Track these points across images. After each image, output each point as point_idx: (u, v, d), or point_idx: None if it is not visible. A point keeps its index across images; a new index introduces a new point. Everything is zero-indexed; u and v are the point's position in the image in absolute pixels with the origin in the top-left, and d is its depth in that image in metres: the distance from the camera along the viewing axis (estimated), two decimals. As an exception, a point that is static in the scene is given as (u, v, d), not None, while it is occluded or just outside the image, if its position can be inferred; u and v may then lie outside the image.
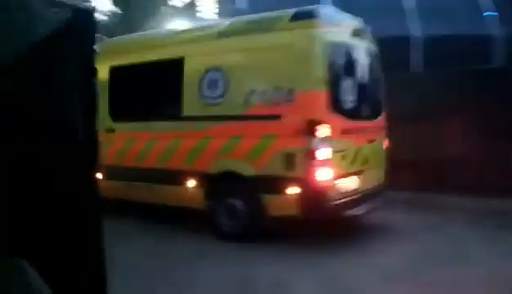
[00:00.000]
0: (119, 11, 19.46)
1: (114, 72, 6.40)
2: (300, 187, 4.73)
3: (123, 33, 9.37)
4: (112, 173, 5.97)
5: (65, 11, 2.01)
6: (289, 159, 4.76)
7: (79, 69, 2.09)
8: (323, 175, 4.70)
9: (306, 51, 4.80)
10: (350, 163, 5.04)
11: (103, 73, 6.24)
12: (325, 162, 4.69)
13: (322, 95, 4.76)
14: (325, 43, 4.83)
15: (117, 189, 6.09)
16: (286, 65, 4.88)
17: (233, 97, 5.24)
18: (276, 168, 4.84)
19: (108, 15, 20.89)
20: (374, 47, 5.85)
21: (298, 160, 4.72)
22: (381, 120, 5.86)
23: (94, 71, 2.25)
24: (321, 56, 4.77)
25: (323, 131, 4.68)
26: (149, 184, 5.94)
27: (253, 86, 5.10)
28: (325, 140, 4.70)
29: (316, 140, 4.67)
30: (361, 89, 5.38)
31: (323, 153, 4.69)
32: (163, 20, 17.99)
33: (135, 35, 7.51)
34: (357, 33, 5.41)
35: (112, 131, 6.31)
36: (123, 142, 6.23)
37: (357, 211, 5.12)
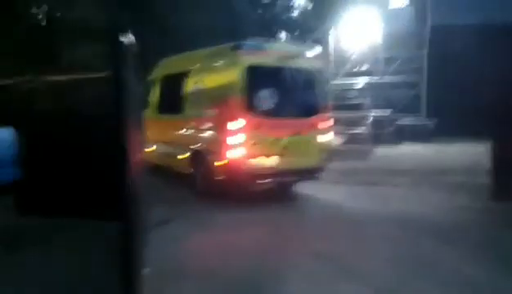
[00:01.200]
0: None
1: (163, 79, 9.09)
2: (224, 160, 6.83)
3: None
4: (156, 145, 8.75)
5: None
6: (218, 142, 6.92)
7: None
8: (235, 154, 6.70)
9: (232, 70, 6.92)
10: (263, 148, 6.84)
11: (158, 80, 9.15)
12: (235, 146, 6.69)
13: (238, 100, 6.70)
14: (244, 65, 6.77)
15: (157, 156, 8.73)
16: (225, 80, 7.03)
17: (200, 100, 7.64)
18: (215, 147, 7.02)
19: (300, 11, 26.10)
20: (311, 66, 7.65)
21: (223, 143, 6.82)
22: (314, 119, 7.41)
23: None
24: (239, 74, 6.74)
25: (235, 124, 6.64)
26: (168, 153, 8.52)
27: (209, 93, 7.44)
28: (237, 131, 6.65)
29: (229, 130, 6.69)
30: (285, 96, 7.05)
31: (234, 139, 6.69)
32: (350, 10, 17.97)
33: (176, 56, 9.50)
34: (284, 57, 7.24)
35: (157, 119, 8.73)
36: (161, 127, 8.71)
37: (269, 181, 7.12)
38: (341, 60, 17.95)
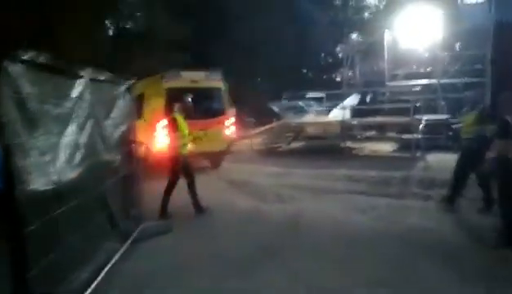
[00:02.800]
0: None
1: (168, 90, 11.05)
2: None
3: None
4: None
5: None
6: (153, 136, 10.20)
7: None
8: (160, 143, 9.70)
9: (159, 91, 10.88)
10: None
11: (163, 91, 11.12)
12: (160, 137, 9.80)
13: (162, 109, 10.17)
14: (164, 87, 10.76)
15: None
16: (157, 97, 10.91)
17: (149, 110, 11.28)
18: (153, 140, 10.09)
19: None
20: (214, 85, 11.63)
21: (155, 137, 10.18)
22: (217, 119, 11.38)
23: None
24: (162, 93, 10.67)
25: (159, 124, 10.05)
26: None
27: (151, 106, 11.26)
28: (162, 128, 9.63)
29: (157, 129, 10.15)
30: (200, 105, 9.63)
31: (159, 134, 10.02)
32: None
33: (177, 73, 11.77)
34: (192, 81, 11.17)
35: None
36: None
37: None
38: (399, 60, 17.14)
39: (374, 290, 4.25)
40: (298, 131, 15.78)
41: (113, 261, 4.56)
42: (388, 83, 16.38)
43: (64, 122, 3.56)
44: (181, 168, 7.15)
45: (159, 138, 10.25)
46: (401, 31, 16.84)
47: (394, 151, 14.08)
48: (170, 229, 6.14)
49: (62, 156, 3.45)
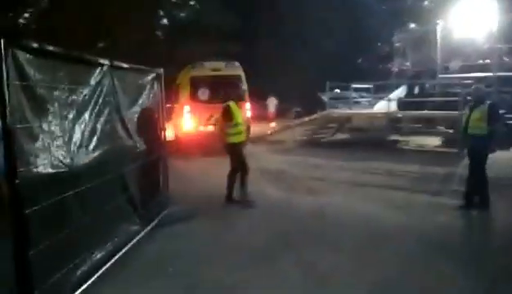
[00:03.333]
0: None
1: (191, 78, 12.78)
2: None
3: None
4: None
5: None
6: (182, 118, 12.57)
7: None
8: (187, 124, 12.34)
9: (186, 78, 12.79)
10: (203, 121, 12.12)
11: (188, 79, 12.80)
12: (186, 121, 12.32)
13: (188, 95, 12.47)
14: (190, 76, 12.58)
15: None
16: (184, 83, 12.93)
17: (181, 95, 13.26)
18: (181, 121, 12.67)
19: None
20: (233, 73, 12.87)
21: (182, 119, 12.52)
22: (239, 104, 10.82)
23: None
24: (189, 81, 12.54)
25: (186, 108, 12.30)
26: None
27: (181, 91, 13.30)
28: (188, 111, 12.26)
29: (183, 111, 12.34)
30: (217, 90, 11.94)
31: (185, 117, 12.34)
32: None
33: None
34: (213, 69, 12.76)
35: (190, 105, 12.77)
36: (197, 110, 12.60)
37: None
38: (453, 51, 16.30)
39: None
40: (342, 123, 15.49)
41: (131, 244, 4.74)
42: (439, 75, 15.67)
43: (77, 108, 3.69)
44: (235, 157, 7.01)
45: (184, 121, 12.38)
46: (456, 21, 15.99)
47: (441, 146, 13.49)
48: (195, 214, 6.26)
49: (74, 141, 3.60)
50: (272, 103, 22.79)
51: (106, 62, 4.26)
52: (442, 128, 14.22)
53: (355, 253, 5.02)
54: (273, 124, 20.36)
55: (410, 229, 5.82)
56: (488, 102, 6.58)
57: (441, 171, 9.70)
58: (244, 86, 12.83)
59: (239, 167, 7.02)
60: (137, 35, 25.44)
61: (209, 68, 12.79)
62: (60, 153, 3.36)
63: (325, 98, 18.26)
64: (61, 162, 3.40)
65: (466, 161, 9.22)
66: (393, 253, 5.00)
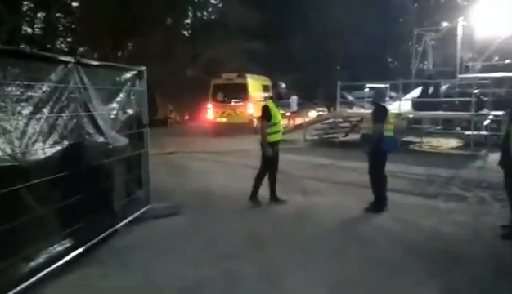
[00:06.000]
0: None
1: (214, 85, 19.54)
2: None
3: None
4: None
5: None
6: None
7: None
8: (209, 116, 19.66)
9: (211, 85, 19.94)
10: (220, 114, 19.04)
11: (212, 86, 19.60)
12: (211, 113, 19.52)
13: (211, 96, 19.51)
14: (213, 84, 19.61)
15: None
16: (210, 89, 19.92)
17: None
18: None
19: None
20: (242, 81, 18.93)
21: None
22: (244, 104, 18.59)
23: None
24: (212, 87, 19.59)
25: (209, 105, 19.55)
26: None
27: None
28: (210, 108, 19.51)
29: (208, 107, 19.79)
30: (230, 93, 18.86)
31: (209, 110, 19.56)
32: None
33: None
34: (228, 79, 19.44)
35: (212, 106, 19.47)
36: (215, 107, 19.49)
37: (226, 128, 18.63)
38: (474, 51, 15.76)
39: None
40: (354, 123, 15.25)
41: (100, 237, 4.86)
42: (459, 75, 15.18)
43: (34, 104, 3.81)
44: (269, 157, 6.90)
45: (208, 114, 19.49)
46: (478, 19, 15.44)
47: (456, 148, 13.10)
48: (177, 211, 6.33)
49: (27, 136, 3.72)
50: (294, 102, 22.70)
51: (71, 59, 4.36)
52: (459, 129, 13.82)
53: (322, 255, 4.95)
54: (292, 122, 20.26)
55: (389, 233, 5.70)
56: None
57: (445, 173, 9.45)
58: (249, 90, 18.64)
59: (269, 167, 6.99)
60: (165, 36, 25.89)
61: (225, 78, 19.41)
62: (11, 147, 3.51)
63: (350, 97, 18.04)
64: (11, 155, 3.52)
65: (478, 164, 8.84)
66: (359, 256, 4.91)
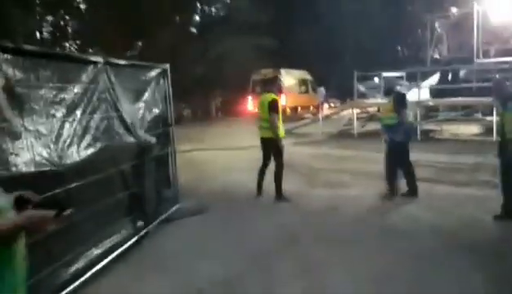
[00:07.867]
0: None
1: (252, 81, 22.12)
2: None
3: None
4: None
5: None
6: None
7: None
8: (249, 107, 21.49)
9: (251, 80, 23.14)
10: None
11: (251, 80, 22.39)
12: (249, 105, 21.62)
13: (250, 90, 22.10)
14: (252, 79, 22.55)
15: None
16: (250, 83, 22.89)
17: None
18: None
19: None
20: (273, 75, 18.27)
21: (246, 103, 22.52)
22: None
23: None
24: (251, 81, 22.51)
25: (249, 98, 21.65)
26: None
27: None
28: (249, 100, 21.63)
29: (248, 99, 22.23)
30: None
31: (249, 103, 21.80)
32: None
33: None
34: (264, 74, 20.54)
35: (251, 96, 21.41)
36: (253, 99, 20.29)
37: None
38: (491, 35, 15.45)
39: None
40: (372, 113, 15.07)
41: (134, 239, 4.80)
42: (476, 60, 14.90)
43: (66, 106, 3.73)
44: (279, 151, 6.80)
45: (247, 106, 21.20)
46: (495, 4, 15.13)
47: (477, 135, 12.86)
48: (205, 210, 6.25)
49: (63, 139, 3.64)
50: (322, 93, 22.59)
51: (100, 60, 4.29)
52: (478, 115, 13.57)
53: (358, 248, 4.85)
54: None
55: (424, 222, 5.57)
56: None
57: (471, 160, 9.28)
58: (282, 83, 18.89)
59: (280, 161, 6.85)
60: (173, 33, 25.82)
61: (262, 73, 21.03)
62: (46, 152, 3.42)
63: (362, 88, 17.81)
64: (48, 160, 3.44)
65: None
66: (397, 247, 4.80)
